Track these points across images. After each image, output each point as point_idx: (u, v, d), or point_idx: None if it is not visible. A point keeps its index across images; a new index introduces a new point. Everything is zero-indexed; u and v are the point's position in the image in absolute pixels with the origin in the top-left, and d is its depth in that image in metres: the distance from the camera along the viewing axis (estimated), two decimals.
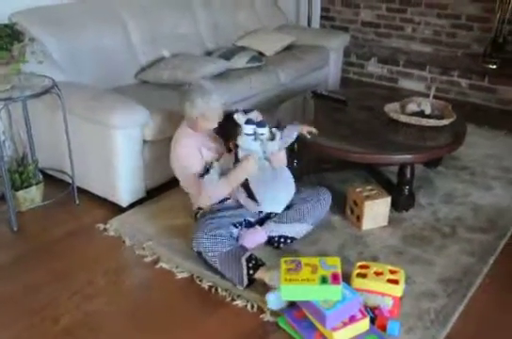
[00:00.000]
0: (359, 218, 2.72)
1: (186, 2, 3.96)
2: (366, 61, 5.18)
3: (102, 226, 2.76)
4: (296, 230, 2.56)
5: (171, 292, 2.33)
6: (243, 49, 4.02)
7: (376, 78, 5.17)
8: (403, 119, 2.99)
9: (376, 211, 2.70)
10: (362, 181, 3.16)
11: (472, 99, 4.63)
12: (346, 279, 2.12)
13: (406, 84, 4.97)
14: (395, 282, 2.13)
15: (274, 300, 2.14)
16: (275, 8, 4.78)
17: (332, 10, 5.61)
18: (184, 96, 2.50)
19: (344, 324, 2.00)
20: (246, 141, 2.45)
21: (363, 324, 2.03)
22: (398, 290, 2.12)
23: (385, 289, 2.12)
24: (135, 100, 2.82)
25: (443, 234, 2.70)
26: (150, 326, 2.15)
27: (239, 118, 2.47)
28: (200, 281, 2.37)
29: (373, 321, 2.08)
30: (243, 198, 2.49)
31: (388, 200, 2.70)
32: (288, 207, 2.54)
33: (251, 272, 2.28)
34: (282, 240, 2.55)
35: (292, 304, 2.13)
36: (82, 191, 3.01)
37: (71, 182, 2.98)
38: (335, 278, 2.02)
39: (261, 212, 2.57)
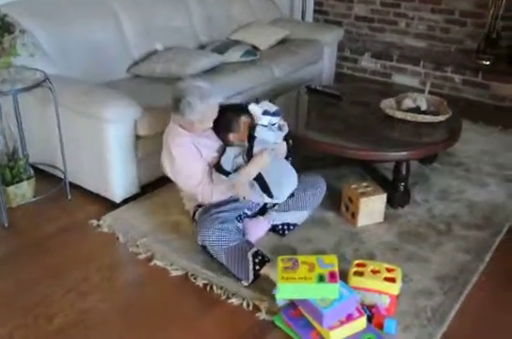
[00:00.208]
0: (354, 215, 2.71)
1: None
2: (360, 56, 5.15)
3: (95, 222, 2.73)
4: (296, 216, 2.61)
5: (166, 290, 2.31)
6: (237, 43, 3.98)
7: (369, 73, 5.15)
8: (398, 115, 2.98)
9: (372, 208, 2.68)
10: (357, 177, 3.14)
11: (465, 95, 4.62)
12: (343, 277, 2.11)
13: (399, 79, 4.95)
14: (392, 280, 2.12)
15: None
16: (269, 1, 4.74)
17: (326, 4, 5.57)
18: (180, 99, 2.32)
19: (341, 323, 1.99)
20: (262, 132, 2.42)
21: (360, 322, 2.01)
22: (395, 288, 2.11)
23: (382, 287, 2.11)
24: (128, 94, 2.78)
25: (439, 230, 2.70)
26: (144, 324, 2.13)
27: (254, 109, 2.43)
28: (195, 278, 2.34)
29: (370, 319, 2.07)
30: (247, 189, 2.44)
31: (383, 196, 2.69)
32: (288, 196, 2.53)
33: (257, 268, 2.25)
34: (286, 227, 2.60)
35: (292, 302, 2.11)
36: (74, 186, 2.97)
37: (62, 177, 2.94)
38: (332, 276, 2.01)
39: (258, 204, 2.56)
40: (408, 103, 3.07)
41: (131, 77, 3.48)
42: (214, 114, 2.42)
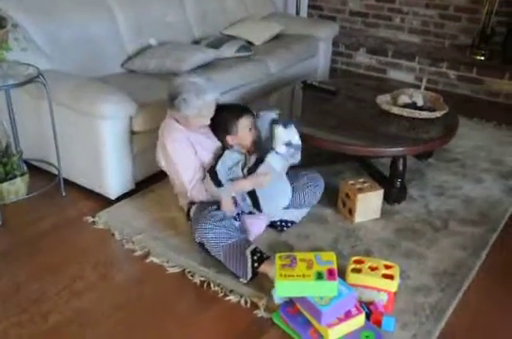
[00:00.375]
0: (351, 212, 2.70)
1: None
2: (354, 51, 5.14)
3: (90, 219, 2.70)
4: (295, 214, 2.62)
5: (162, 287, 2.29)
6: (231, 38, 3.96)
7: (364, 68, 5.14)
8: (395, 111, 2.97)
9: (369, 204, 2.67)
10: (354, 173, 3.14)
11: (460, 90, 4.62)
12: (341, 273, 2.08)
13: (394, 74, 4.94)
14: (390, 277, 2.11)
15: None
16: None
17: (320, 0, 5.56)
18: (176, 94, 2.32)
19: (340, 320, 1.98)
20: (274, 160, 2.38)
21: (359, 320, 2.01)
22: (393, 285, 2.10)
23: (380, 284, 2.10)
24: (122, 89, 2.75)
25: (435, 227, 2.69)
26: (140, 322, 2.11)
27: (281, 134, 2.37)
28: (192, 276, 2.32)
29: (367, 317, 2.06)
30: (230, 204, 2.43)
31: (380, 192, 2.68)
32: None
33: (256, 265, 2.23)
34: (284, 224, 2.61)
35: (290, 300, 2.09)
36: (69, 183, 2.94)
37: (57, 173, 2.91)
38: (331, 273, 1.99)
39: None
40: (404, 98, 3.06)
41: (125, 72, 3.44)
42: (210, 111, 2.40)
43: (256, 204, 2.46)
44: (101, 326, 2.09)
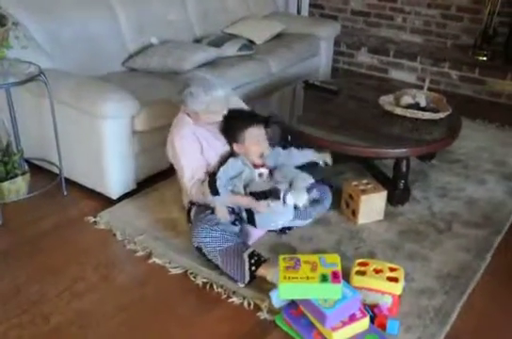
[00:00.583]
0: (354, 213, 2.68)
1: None
2: (356, 51, 5.12)
3: (91, 219, 2.68)
4: (298, 223, 2.54)
5: (165, 288, 2.27)
6: (233, 37, 3.94)
7: (366, 68, 5.11)
8: (398, 111, 2.95)
9: (372, 205, 2.66)
10: (356, 174, 3.11)
11: (462, 91, 4.60)
12: (344, 275, 2.06)
13: (396, 74, 4.92)
14: (395, 279, 2.09)
15: (278, 298, 2.07)
16: None
17: None
18: (184, 89, 2.32)
19: (344, 323, 1.96)
20: (276, 206, 2.30)
21: (363, 323, 1.99)
22: (398, 288, 2.09)
23: (385, 287, 2.08)
24: (124, 88, 2.73)
25: (439, 229, 2.67)
26: (142, 323, 2.09)
27: (302, 198, 2.28)
28: (195, 277, 2.30)
29: (372, 320, 2.04)
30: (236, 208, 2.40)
31: (384, 194, 2.66)
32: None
33: (253, 269, 2.21)
34: (287, 227, 2.54)
35: (293, 302, 2.08)
36: (70, 182, 2.92)
37: (58, 172, 2.89)
38: (335, 276, 1.98)
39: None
40: (407, 99, 3.04)
41: (126, 71, 3.42)
42: (221, 107, 2.37)
43: (251, 220, 2.38)
44: (102, 327, 2.07)
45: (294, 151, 2.53)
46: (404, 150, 2.71)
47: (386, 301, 2.10)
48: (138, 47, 3.51)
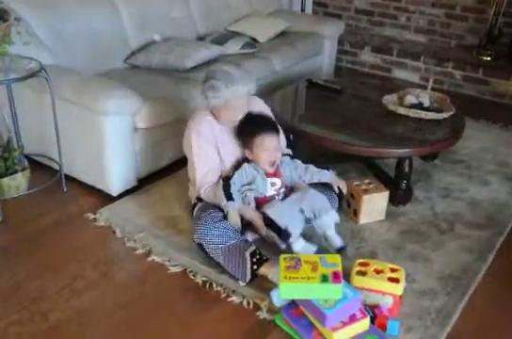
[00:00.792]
0: (356, 212, 2.66)
1: None
2: (359, 50, 5.09)
3: (91, 216, 2.66)
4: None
5: (164, 287, 2.26)
6: (236, 34, 3.92)
7: (369, 67, 5.09)
8: (401, 111, 2.93)
9: (374, 205, 2.64)
10: (359, 173, 3.09)
11: (465, 91, 4.58)
12: (345, 275, 2.05)
13: (399, 74, 4.89)
14: (396, 280, 2.08)
15: (278, 298, 2.06)
16: None
17: None
18: (206, 79, 2.30)
19: (344, 324, 1.95)
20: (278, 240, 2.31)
21: (363, 324, 1.97)
22: (399, 289, 2.07)
23: (385, 288, 2.06)
24: (126, 85, 2.71)
25: (441, 229, 2.66)
26: (141, 322, 2.08)
27: (297, 248, 2.28)
28: (194, 275, 2.29)
29: (372, 320, 2.03)
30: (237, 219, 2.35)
31: (386, 194, 2.65)
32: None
33: (255, 267, 2.19)
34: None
35: (293, 302, 2.06)
36: (70, 179, 2.90)
37: (58, 169, 2.87)
38: (336, 276, 1.96)
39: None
40: (410, 99, 3.03)
41: (128, 68, 3.41)
42: (241, 104, 2.34)
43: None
44: (101, 325, 2.06)
45: (311, 167, 2.51)
46: (407, 150, 2.70)
47: (387, 302, 2.08)
48: (141, 44, 3.49)
